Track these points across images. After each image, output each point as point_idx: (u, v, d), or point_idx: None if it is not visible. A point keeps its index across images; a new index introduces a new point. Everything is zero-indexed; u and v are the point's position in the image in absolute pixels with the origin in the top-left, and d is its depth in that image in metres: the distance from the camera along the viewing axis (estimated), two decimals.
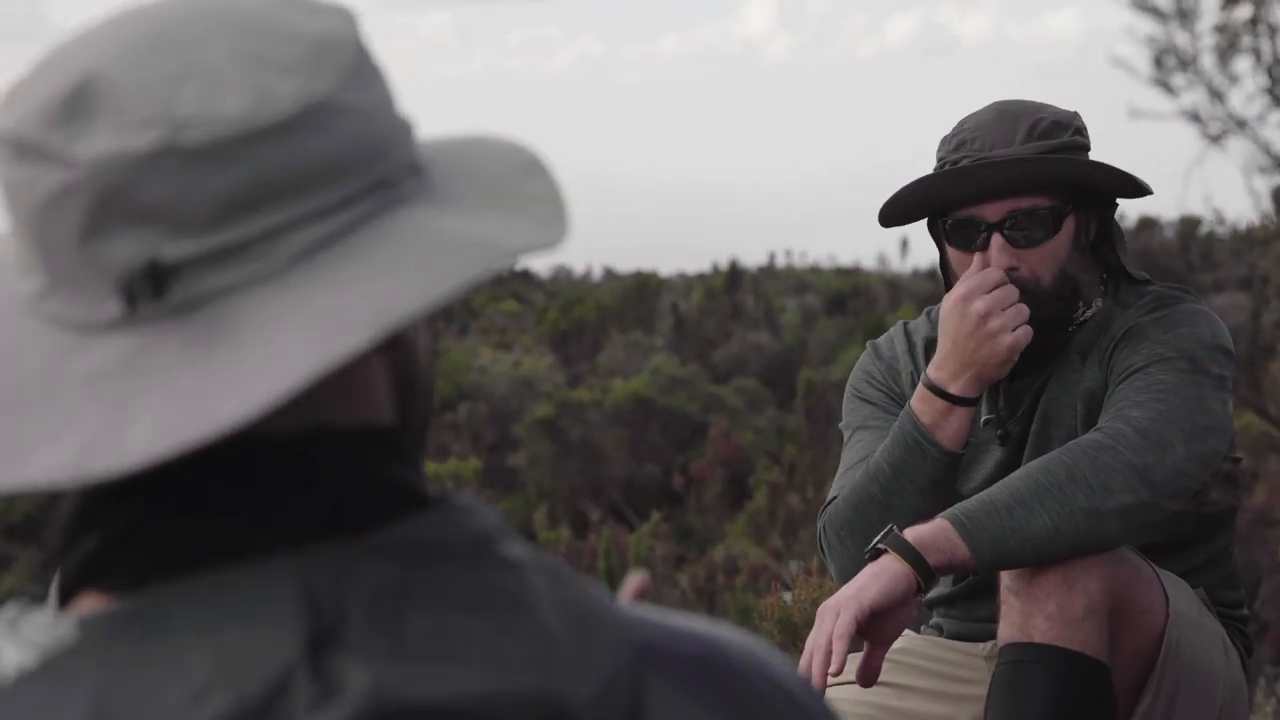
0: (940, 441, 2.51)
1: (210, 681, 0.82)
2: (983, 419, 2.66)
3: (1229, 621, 2.64)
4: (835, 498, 2.62)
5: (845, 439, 2.75)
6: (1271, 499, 6.97)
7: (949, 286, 2.73)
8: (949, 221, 2.61)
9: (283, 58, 0.88)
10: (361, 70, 0.91)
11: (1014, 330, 2.50)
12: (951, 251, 2.63)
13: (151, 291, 0.86)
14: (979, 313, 2.50)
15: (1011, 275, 2.55)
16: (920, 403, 2.54)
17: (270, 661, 0.82)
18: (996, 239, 2.56)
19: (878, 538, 2.35)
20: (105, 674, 0.84)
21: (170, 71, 0.87)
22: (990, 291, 2.51)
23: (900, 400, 2.71)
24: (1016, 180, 2.56)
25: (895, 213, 2.66)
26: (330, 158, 0.88)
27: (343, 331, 0.84)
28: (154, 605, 0.86)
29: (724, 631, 0.95)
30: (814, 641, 2.28)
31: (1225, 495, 2.55)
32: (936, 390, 2.53)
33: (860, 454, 2.67)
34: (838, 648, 2.24)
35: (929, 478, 2.51)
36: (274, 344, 0.84)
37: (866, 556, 2.35)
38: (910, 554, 2.30)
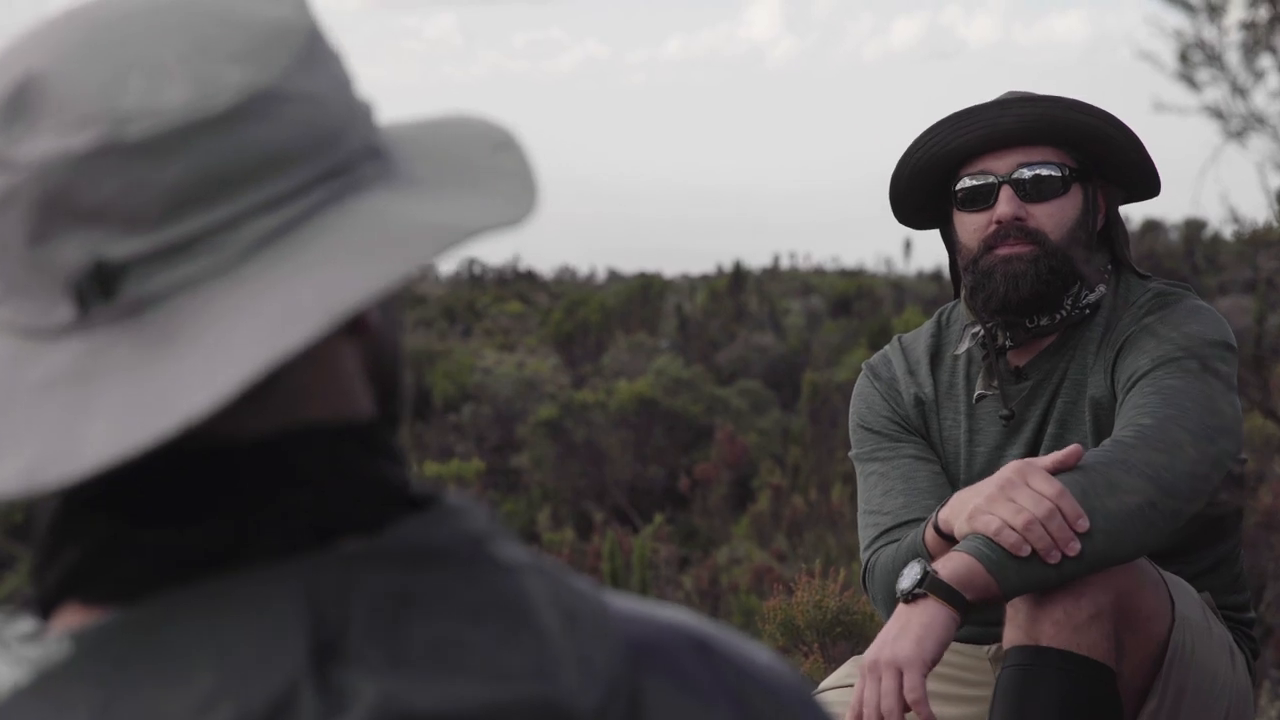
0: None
1: (215, 694, 0.81)
2: (976, 394, 2.65)
3: (1234, 625, 2.64)
4: (875, 546, 2.60)
5: (858, 470, 2.73)
6: (1278, 502, 6.95)
7: (957, 293, 2.72)
8: (959, 188, 2.60)
9: (229, 47, 0.87)
10: (314, 56, 0.90)
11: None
12: (963, 219, 2.62)
13: (101, 293, 0.84)
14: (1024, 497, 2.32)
15: (1019, 225, 2.55)
16: (935, 546, 2.46)
17: (275, 673, 0.81)
18: (1005, 190, 2.56)
19: (915, 579, 2.32)
20: (106, 689, 0.82)
21: (113, 67, 0.86)
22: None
23: (905, 424, 2.70)
24: (1030, 121, 2.56)
25: (907, 177, 2.65)
26: (279, 146, 0.86)
27: (293, 322, 0.82)
28: (150, 617, 0.84)
29: (701, 620, 0.94)
30: (870, 698, 2.29)
31: (1233, 497, 2.54)
32: (946, 537, 2.45)
33: (879, 490, 2.66)
34: (925, 713, 2.27)
35: None
36: (224, 338, 0.83)
37: (906, 599, 2.32)
38: (953, 597, 2.29)
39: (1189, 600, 2.48)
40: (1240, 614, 2.66)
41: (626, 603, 0.92)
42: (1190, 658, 2.43)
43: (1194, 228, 25.55)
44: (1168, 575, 2.46)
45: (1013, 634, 2.36)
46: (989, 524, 2.31)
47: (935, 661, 2.29)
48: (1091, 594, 2.31)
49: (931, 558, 2.40)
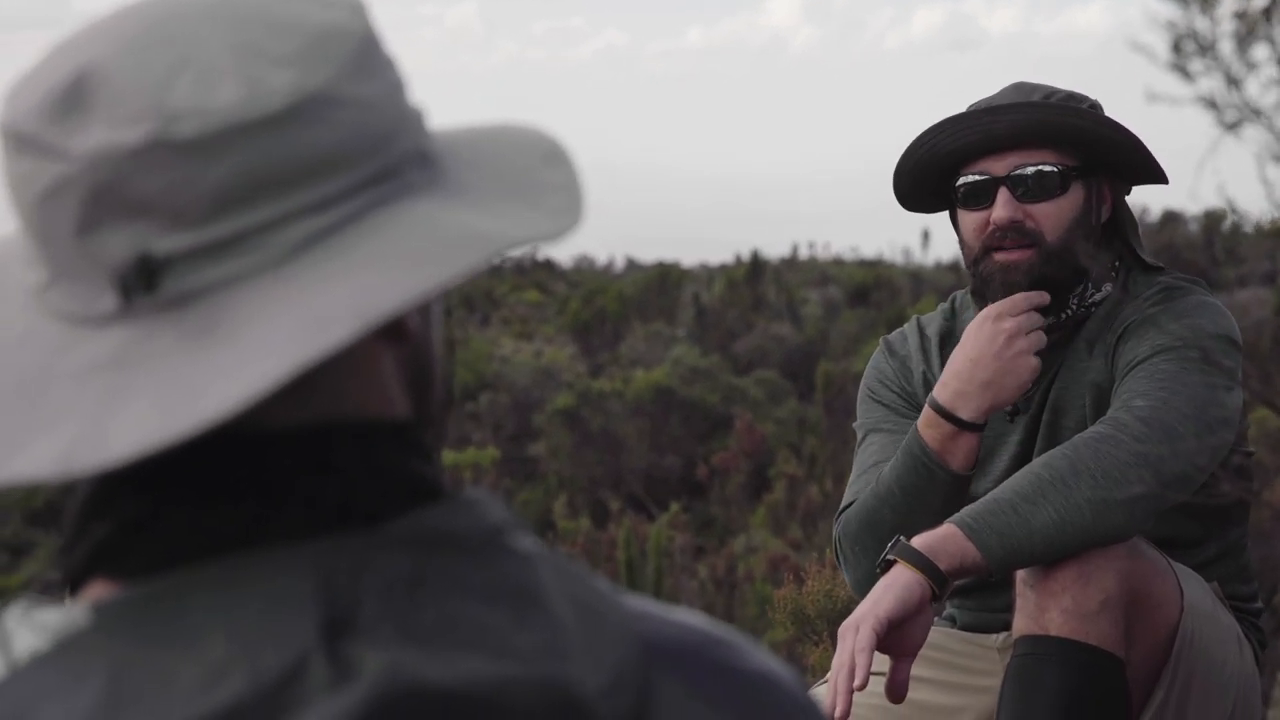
0: (949, 466, 2.52)
1: (227, 662, 0.82)
2: None
3: (1242, 615, 2.64)
4: (849, 506, 2.63)
5: (859, 438, 2.75)
6: None
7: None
8: (960, 185, 2.61)
9: (280, 50, 0.88)
10: (366, 61, 0.91)
11: (1033, 354, 2.53)
12: (964, 217, 2.63)
13: (144, 285, 0.86)
14: (1007, 332, 2.52)
15: (1016, 226, 2.55)
16: (929, 427, 2.54)
17: (287, 644, 0.83)
18: (1002, 192, 2.56)
19: (887, 549, 2.34)
20: (121, 654, 0.84)
21: (166, 65, 0.87)
22: (1019, 315, 2.53)
23: (913, 401, 2.71)
24: (1023, 127, 2.56)
25: (908, 176, 2.66)
26: (327, 150, 0.88)
27: (327, 325, 0.84)
28: (168, 589, 0.86)
29: (713, 624, 0.96)
30: (838, 660, 2.27)
31: (1235, 488, 2.54)
32: (945, 414, 2.53)
33: (873, 458, 2.67)
34: (860, 661, 2.23)
35: (940, 499, 2.52)
36: (259, 338, 0.84)
37: (878, 570, 2.34)
38: (920, 561, 2.30)
39: (1198, 589, 2.48)
40: (1248, 604, 2.66)
41: (642, 603, 0.93)
42: (1199, 646, 2.43)
43: (1214, 219, 25.43)
44: (1176, 564, 2.47)
45: (1022, 623, 2.36)
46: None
47: (892, 619, 2.26)
48: (1100, 581, 2.31)
49: (924, 443, 2.52)
